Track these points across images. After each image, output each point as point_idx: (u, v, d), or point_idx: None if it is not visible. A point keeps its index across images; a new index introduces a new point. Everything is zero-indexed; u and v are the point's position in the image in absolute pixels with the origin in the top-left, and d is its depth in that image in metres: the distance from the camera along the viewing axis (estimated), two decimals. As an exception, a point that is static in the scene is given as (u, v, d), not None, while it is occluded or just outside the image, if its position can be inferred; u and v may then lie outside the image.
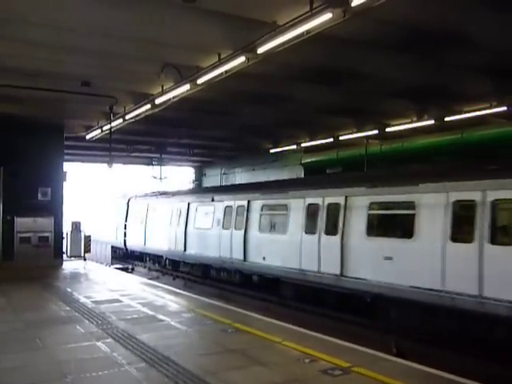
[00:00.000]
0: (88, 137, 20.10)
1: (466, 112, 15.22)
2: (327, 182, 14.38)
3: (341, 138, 20.40)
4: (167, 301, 11.71)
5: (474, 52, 10.72)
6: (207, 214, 18.56)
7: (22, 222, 17.80)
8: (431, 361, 7.23)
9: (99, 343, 7.80)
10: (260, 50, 9.23)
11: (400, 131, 18.01)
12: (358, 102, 15.92)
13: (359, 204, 11.90)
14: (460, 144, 16.49)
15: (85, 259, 20.13)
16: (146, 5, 8.62)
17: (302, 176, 23.59)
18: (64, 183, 19.10)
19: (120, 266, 23.07)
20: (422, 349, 9.47)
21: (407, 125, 17.39)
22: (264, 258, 14.73)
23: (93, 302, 11.45)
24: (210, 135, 22.95)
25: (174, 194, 22.65)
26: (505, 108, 14.07)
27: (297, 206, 13.80)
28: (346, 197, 12.24)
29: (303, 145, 22.86)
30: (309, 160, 23.82)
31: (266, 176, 25.30)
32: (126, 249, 26.17)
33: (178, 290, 13.62)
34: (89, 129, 19.58)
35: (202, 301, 11.88)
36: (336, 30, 8.32)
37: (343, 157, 21.50)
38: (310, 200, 13.39)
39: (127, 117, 16.11)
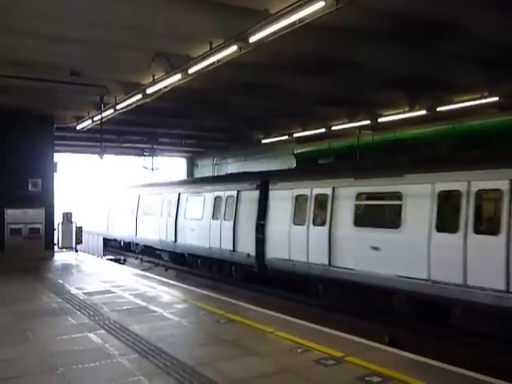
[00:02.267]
0: (79, 127, 19.90)
1: (457, 102, 15.23)
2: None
3: (333, 128, 20.35)
4: (159, 292, 11.69)
5: (465, 41, 10.65)
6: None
7: (12, 214, 17.65)
8: (425, 351, 7.27)
9: (91, 334, 7.77)
10: (252, 39, 9.12)
11: (392, 121, 17.98)
12: (349, 92, 15.84)
13: None
14: (452, 134, 16.52)
15: (76, 250, 20.06)
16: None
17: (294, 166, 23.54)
18: (55, 174, 18.96)
19: (112, 257, 23.00)
20: (415, 338, 9.53)
21: (399, 115, 17.37)
22: None
23: (84, 293, 11.41)
24: (201, 125, 22.79)
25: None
26: (496, 98, 14.07)
27: None
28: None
29: (295, 135, 22.80)
30: (301, 150, 23.83)
31: (258, 166, 25.20)
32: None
33: (170, 281, 13.61)
34: (79, 119, 19.37)
35: (195, 291, 11.87)
36: (328, 18, 8.22)
37: (335, 147, 21.54)
38: None
39: (118, 107, 15.94)
